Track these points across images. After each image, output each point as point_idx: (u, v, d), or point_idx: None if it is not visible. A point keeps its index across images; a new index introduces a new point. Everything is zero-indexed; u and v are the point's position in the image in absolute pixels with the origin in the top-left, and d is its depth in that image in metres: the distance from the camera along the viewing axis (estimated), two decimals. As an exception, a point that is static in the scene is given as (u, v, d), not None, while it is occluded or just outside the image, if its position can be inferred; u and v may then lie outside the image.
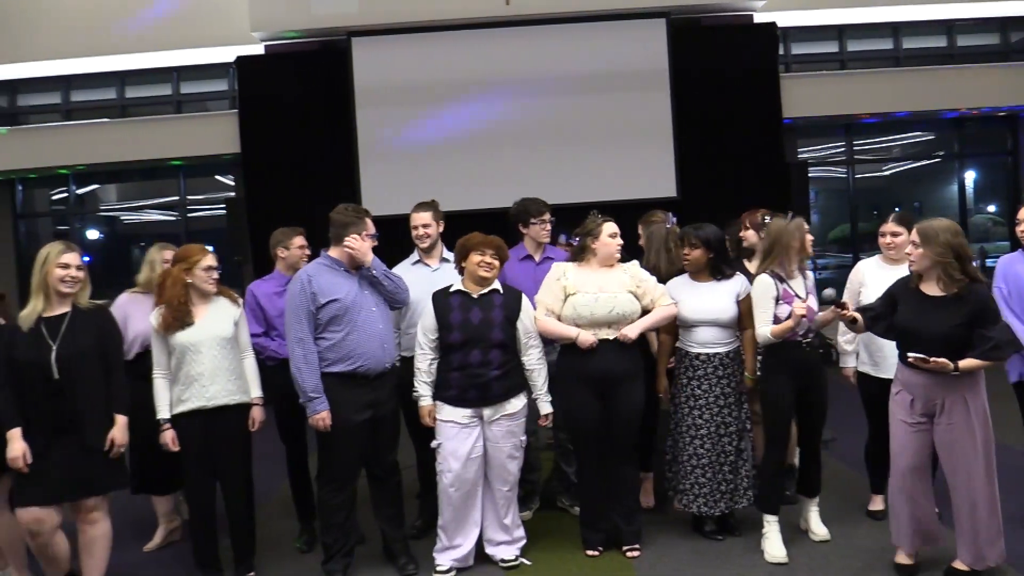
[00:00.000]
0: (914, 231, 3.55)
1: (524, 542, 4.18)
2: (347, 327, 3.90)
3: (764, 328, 3.95)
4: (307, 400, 3.88)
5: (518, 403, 4.01)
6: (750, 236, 4.78)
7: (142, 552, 4.59)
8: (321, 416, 3.87)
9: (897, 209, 10.88)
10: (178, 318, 3.86)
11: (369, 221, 4.03)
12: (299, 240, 4.61)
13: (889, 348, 3.98)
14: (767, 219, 4.66)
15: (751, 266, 4.72)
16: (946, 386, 3.49)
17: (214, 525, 4.09)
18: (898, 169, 10.90)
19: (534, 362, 4.07)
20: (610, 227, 4.14)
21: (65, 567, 3.83)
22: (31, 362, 3.56)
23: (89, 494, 3.68)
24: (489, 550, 4.12)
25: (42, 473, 3.55)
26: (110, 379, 3.74)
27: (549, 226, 4.74)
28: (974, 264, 3.47)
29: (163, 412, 3.89)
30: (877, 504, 4.47)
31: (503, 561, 4.08)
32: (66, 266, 3.64)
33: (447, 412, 3.96)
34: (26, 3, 9.92)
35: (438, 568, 4.02)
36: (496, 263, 4.00)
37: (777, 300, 3.95)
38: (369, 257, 3.97)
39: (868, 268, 4.45)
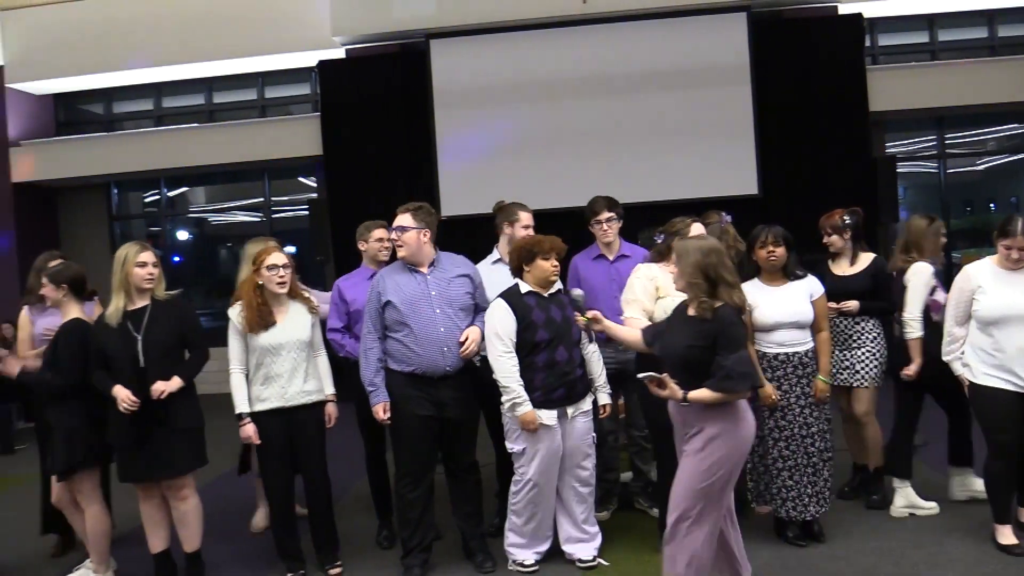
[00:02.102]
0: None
1: (600, 541, 4.14)
2: (406, 329, 3.97)
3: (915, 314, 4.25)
4: (367, 392, 4.05)
5: (590, 399, 4.05)
6: (835, 240, 4.65)
7: (225, 546, 4.70)
8: (376, 409, 4.02)
9: (992, 206, 10.53)
10: (261, 319, 3.96)
11: (399, 216, 4.05)
12: (378, 233, 4.63)
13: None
14: (847, 219, 4.56)
15: (838, 267, 4.62)
16: (688, 416, 3.25)
17: (295, 519, 4.23)
18: (993, 163, 10.44)
19: (593, 354, 4.08)
20: (698, 228, 4.08)
21: (165, 537, 4.07)
22: (120, 354, 3.82)
23: (172, 475, 3.92)
24: (567, 547, 4.10)
25: (134, 454, 3.88)
26: (190, 356, 4.00)
27: (606, 225, 4.63)
28: (731, 288, 3.20)
29: (242, 407, 4.00)
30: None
31: (581, 561, 4.05)
32: (144, 264, 3.87)
33: (539, 414, 3.88)
34: (121, 14, 10.33)
35: (524, 562, 4.04)
36: (558, 265, 3.99)
37: (933, 289, 4.30)
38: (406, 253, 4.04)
39: (982, 273, 4.00)
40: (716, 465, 3.16)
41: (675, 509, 3.24)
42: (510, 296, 3.95)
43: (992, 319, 3.90)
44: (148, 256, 3.88)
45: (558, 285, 4.04)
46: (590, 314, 3.66)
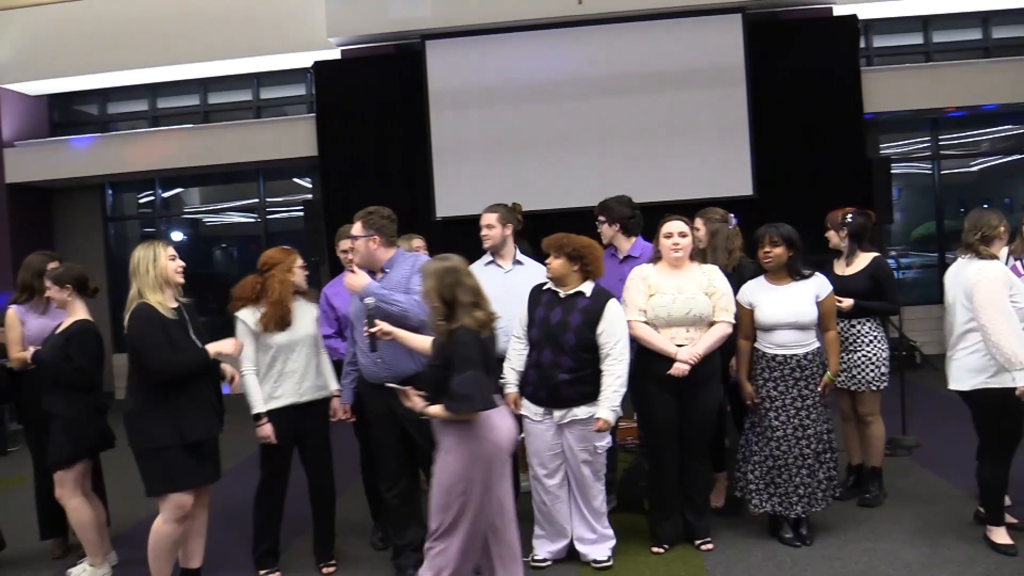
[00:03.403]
0: None
1: (614, 542, 4.12)
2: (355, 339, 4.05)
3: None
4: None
5: (590, 410, 3.86)
6: (832, 236, 4.67)
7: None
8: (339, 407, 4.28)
9: (986, 207, 10.53)
10: (283, 319, 4.03)
11: (354, 223, 4.05)
12: (342, 244, 4.60)
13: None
14: (849, 218, 4.57)
15: (838, 266, 4.64)
16: (436, 431, 3.36)
17: (281, 516, 4.23)
18: (987, 164, 10.47)
19: (608, 368, 3.84)
20: (665, 227, 4.10)
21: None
22: (187, 352, 3.71)
23: (217, 478, 3.90)
24: (580, 547, 4.11)
25: (194, 458, 3.70)
26: None
27: (599, 227, 4.68)
28: (468, 309, 3.24)
29: (259, 407, 4.02)
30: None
31: (596, 562, 4.04)
32: (174, 257, 3.81)
33: (525, 406, 4.01)
34: (116, 15, 10.32)
35: (535, 558, 4.08)
36: (554, 263, 3.91)
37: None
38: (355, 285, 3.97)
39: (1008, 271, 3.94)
40: (452, 480, 3.26)
41: (430, 524, 3.35)
42: (534, 289, 4.04)
43: None
44: (173, 251, 3.83)
45: (585, 288, 3.91)
46: (377, 326, 3.63)
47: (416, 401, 3.32)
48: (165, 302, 3.70)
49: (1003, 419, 3.88)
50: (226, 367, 3.85)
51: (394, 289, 3.91)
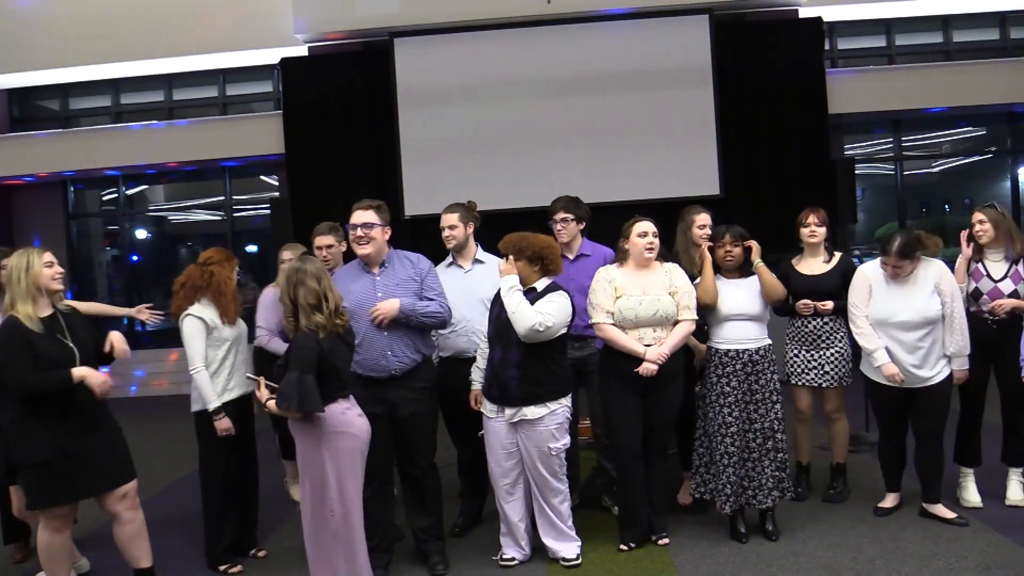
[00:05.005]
0: None
1: (579, 542, 4.11)
2: (356, 332, 3.86)
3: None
4: None
5: (539, 411, 3.88)
6: (823, 233, 4.72)
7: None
8: None
9: (947, 207, 10.75)
10: (237, 312, 4.18)
11: (362, 212, 4.01)
12: (318, 240, 4.76)
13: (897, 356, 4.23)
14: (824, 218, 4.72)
15: (803, 267, 4.75)
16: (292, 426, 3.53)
17: (238, 510, 4.30)
18: (948, 165, 10.66)
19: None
20: (639, 227, 4.13)
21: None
22: (58, 361, 3.54)
23: (127, 479, 3.75)
24: (547, 544, 4.10)
25: (78, 471, 3.57)
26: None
27: (560, 225, 4.62)
28: (307, 311, 3.40)
29: (216, 402, 4.03)
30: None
31: (564, 560, 4.04)
32: (51, 264, 3.63)
33: (485, 403, 4.05)
34: (76, 8, 10.16)
35: (503, 556, 4.10)
36: (516, 266, 3.94)
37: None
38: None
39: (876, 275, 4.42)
40: (304, 476, 3.49)
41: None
42: (498, 291, 4.03)
43: (877, 321, 4.27)
44: (51, 256, 3.66)
45: (539, 284, 3.94)
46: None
47: (263, 392, 3.47)
48: (34, 313, 3.53)
49: (872, 400, 4.49)
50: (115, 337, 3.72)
51: (402, 286, 3.96)
